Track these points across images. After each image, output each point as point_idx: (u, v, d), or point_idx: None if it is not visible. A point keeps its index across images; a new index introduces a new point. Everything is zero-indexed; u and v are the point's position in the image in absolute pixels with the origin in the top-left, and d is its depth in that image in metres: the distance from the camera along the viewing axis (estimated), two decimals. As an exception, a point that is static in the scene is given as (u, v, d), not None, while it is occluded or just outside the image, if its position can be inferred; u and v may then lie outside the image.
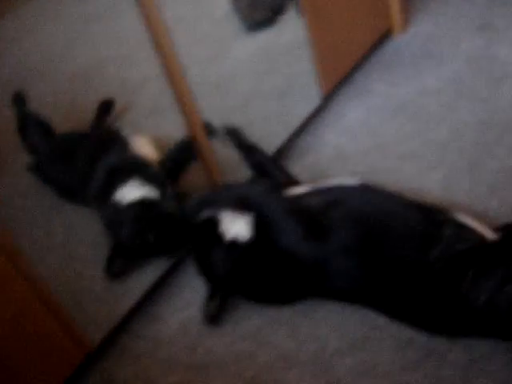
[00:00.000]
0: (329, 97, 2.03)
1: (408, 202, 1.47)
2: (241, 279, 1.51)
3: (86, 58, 2.26)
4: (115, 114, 2.08)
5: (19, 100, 2.13)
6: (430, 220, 1.39)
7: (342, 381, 1.37)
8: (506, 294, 1.24)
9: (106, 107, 2.11)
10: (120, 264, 1.65)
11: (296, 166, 1.89)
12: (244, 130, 1.88)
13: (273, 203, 1.52)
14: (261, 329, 1.52)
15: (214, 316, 1.53)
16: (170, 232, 1.64)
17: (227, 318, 1.55)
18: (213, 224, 1.52)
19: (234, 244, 1.47)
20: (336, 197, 1.50)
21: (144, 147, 1.82)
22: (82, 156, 1.87)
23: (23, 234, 1.86)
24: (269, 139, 1.92)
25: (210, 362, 1.48)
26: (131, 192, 1.69)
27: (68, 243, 1.80)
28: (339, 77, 2.01)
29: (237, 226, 1.48)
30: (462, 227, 1.38)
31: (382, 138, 1.89)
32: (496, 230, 1.41)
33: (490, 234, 1.36)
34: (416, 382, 1.34)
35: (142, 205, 1.68)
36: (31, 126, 2.08)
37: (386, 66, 2.14)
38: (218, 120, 1.87)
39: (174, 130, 1.76)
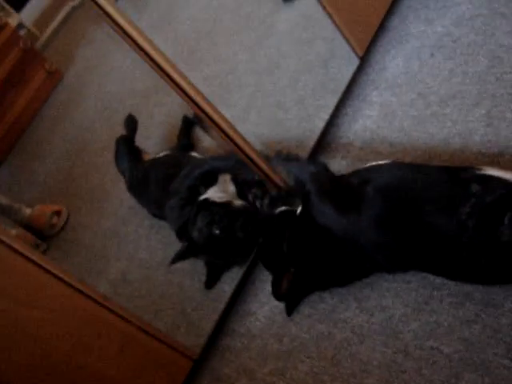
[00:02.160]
0: (366, 55, 2.04)
1: (434, 168, 1.49)
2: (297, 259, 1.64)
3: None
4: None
5: (131, 123, 2.37)
6: (455, 180, 1.39)
7: (409, 346, 1.47)
8: None
9: (188, 122, 2.30)
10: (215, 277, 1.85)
11: (349, 133, 1.95)
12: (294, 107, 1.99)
13: (311, 183, 1.63)
14: (334, 308, 1.64)
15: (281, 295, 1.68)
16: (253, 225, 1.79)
17: (304, 303, 1.70)
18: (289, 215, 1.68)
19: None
20: (368, 175, 1.56)
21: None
22: (157, 179, 2.08)
23: (130, 256, 2.14)
24: (319, 112, 2.00)
25: (295, 348, 1.64)
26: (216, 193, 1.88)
27: (167, 259, 2.02)
28: (371, 33, 2.01)
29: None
30: (489, 180, 1.35)
31: (423, 83, 1.87)
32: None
33: None
34: (477, 334, 1.40)
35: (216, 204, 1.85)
36: (122, 151, 2.33)
37: (420, 2, 2.08)
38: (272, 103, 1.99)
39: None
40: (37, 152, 2.97)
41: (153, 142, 2.43)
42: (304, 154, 1.92)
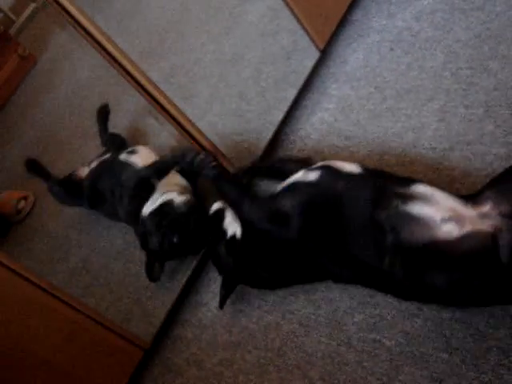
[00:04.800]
0: (328, 48, 2.04)
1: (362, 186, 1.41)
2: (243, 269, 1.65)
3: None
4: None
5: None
6: (374, 225, 1.32)
7: (352, 338, 1.48)
8: None
9: (104, 113, 2.27)
10: (158, 268, 1.83)
11: (307, 126, 1.96)
12: (256, 98, 2.00)
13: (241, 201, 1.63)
14: (283, 300, 1.65)
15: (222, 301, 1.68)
16: (191, 230, 1.79)
17: (255, 295, 1.71)
18: (219, 218, 1.66)
19: (233, 240, 1.62)
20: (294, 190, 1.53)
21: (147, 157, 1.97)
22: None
23: (90, 244, 2.14)
24: (279, 104, 2.00)
25: (243, 339, 1.65)
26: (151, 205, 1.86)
27: (127, 249, 2.03)
28: (332, 27, 2.00)
29: (234, 224, 1.63)
30: (400, 228, 1.26)
31: (381, 77, 1.88)
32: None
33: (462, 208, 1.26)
34: (419, 328, 1.41)
35: (160, 212, 1.83)
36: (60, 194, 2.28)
37: (383, -4, 2.09)
38: (235, 95, 2.04)
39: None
40: (6, 138, 2.95)
41: (119, 130, 2.42)
42: (262, 145, 1.92)
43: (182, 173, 1.90)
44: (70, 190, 2.17)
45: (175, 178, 1.90)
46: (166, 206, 1.80)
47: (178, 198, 1.80)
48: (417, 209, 1.27)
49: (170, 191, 1.84)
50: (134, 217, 1.86)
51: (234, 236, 1.61)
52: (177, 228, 1.76)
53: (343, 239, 1.37)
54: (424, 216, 1.25)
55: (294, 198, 1.48)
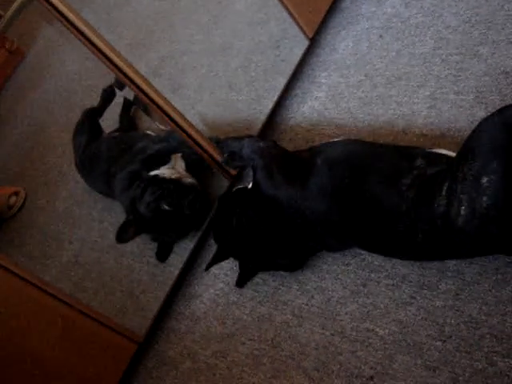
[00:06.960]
0: (317, 36, 2.03)
1: (384, 145, 1.50)
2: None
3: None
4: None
5: (108, 96, 2.34)
6: (403, 155, 1.39)
7: (346, 328, 1.48)
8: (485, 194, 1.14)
9: (127, 104, 2.28)
10: (131, 233, 1.84)
11: (297, 115, 1.95)
12: (246, 88, 1.98)
13: (260, 157, 1.61)
14: (276, 291, 1.65)
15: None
16: (183, 207, 1.80)
17: (247, 286, 1.70)
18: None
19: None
20: (320, 149, 1.56)
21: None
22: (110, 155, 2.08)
23: (82, 238, 2.13)
24: (269, 94, 1.99)
25: (237, 330, 1.65)
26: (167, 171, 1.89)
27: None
28: (321, 15, 1.99)
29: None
30: (435, 156, 1.36)
31: (371, 65, 1.87)
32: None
33: None
34: (412, 316, 1.41)
35: (165, 181, 1.86)
36: (85, 124, 2.30)
37: (371, -18, 2.07)
38: (225, 84, 2.03)
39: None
40: (-4, 134, 2.93)
41: (109, 123, 2.40)
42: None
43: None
44: (93, 127, 2.21)
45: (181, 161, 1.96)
46: (172, 179, 1.84)
47: (188, 179, 1.85)
48: (440, 150, 1.37)
49: (181, 169, 1.90)
50: (132, 180, 1.88)
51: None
52: (171, 198, 1.77)
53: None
54: (448, 154, 1.34)
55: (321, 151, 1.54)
